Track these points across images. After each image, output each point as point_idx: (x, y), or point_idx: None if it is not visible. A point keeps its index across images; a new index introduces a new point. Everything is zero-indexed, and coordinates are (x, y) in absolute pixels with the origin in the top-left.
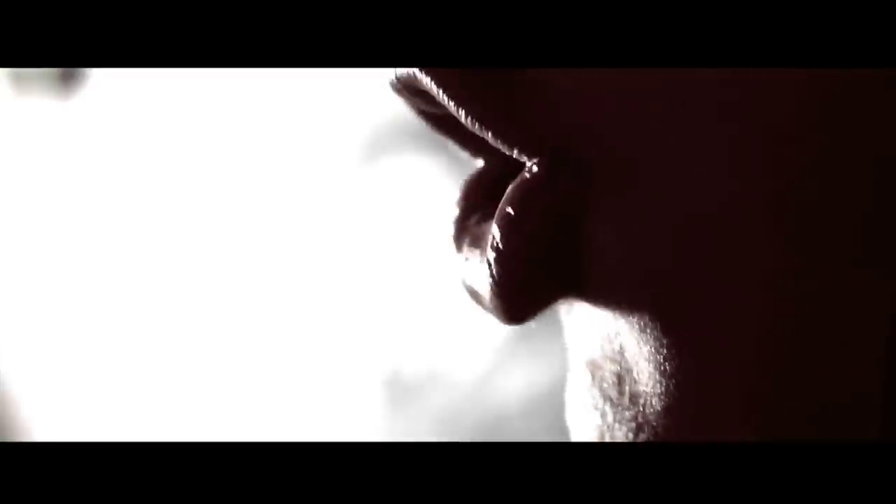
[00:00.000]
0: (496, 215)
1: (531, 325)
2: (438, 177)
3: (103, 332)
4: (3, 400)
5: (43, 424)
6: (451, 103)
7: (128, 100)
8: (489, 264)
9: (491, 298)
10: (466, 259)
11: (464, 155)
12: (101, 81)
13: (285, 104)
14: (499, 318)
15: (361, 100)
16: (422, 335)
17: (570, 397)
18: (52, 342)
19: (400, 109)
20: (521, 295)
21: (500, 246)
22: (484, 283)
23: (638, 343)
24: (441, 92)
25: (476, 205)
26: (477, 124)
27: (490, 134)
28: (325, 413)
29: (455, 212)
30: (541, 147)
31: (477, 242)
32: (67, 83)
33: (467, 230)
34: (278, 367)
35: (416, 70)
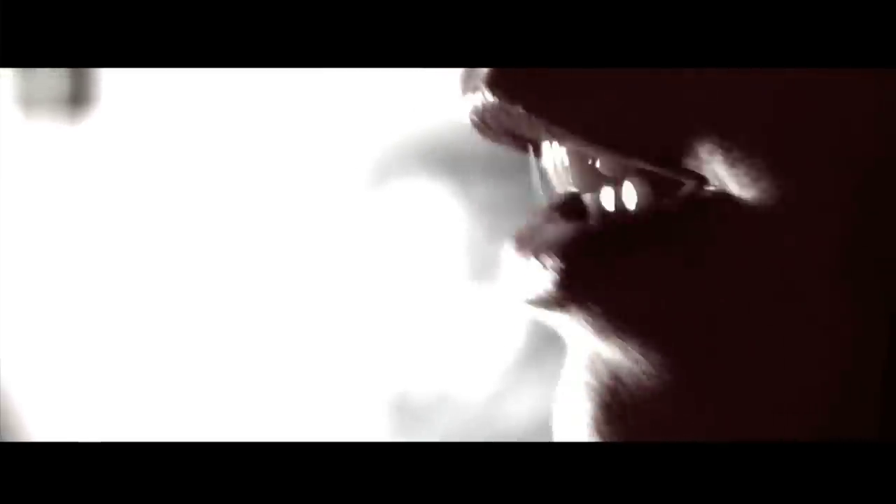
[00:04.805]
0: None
1: (540, 348)
2: (447, 200)
3: (110, 356)
4: (3, 400)
5: (43, 424)
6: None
7: (137, 125)
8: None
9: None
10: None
11: (472, 178)
12: (111, 106)
13: (294, 128)
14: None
15: (370, 122)
16: (430, 358)
17: (558, 410)
18: (58, 359)
19: (408, 132)
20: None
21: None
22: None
23: (632, 370)
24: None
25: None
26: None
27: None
28: (332, 435)
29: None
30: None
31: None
32: (77, 107)
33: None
34: (286, 389)
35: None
